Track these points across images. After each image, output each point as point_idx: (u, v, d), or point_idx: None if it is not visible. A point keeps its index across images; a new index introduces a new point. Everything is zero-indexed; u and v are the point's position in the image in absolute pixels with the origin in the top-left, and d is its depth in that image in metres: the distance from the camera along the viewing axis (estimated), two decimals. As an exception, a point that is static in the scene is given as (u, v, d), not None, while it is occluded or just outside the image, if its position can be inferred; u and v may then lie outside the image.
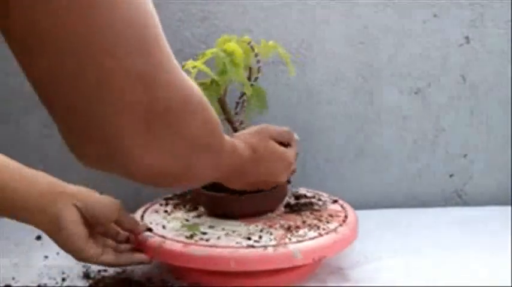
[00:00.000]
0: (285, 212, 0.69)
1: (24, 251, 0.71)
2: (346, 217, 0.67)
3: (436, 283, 0.61)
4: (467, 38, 0.90)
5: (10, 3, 0.29)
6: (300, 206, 0.71)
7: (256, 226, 0.64)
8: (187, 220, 0.66)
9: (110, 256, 0.59)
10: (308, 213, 0.68)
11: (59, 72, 0.32)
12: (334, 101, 0.90)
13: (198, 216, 0.68)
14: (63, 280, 0.63)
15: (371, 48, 0.89)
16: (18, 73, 0.35)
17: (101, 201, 0.59)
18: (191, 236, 0.60)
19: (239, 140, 0.57)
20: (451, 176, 0.94)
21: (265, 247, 0.57)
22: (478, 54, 0.90)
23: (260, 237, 0.60)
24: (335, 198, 0.75)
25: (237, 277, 0.58)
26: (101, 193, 0.61)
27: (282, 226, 0.63)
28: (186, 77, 0.39)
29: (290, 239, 0.59)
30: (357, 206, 0.72)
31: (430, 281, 0.62)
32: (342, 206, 0.72)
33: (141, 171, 0.38)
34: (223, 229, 0.62)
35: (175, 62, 0.37)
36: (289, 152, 0.63)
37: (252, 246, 0.57)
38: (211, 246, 0.58)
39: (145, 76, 0.34)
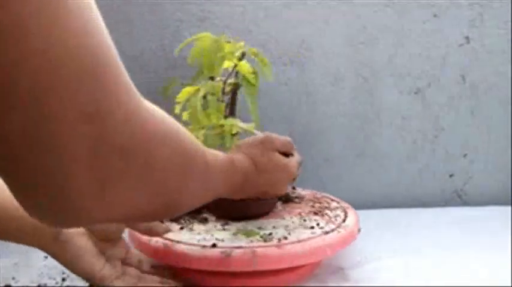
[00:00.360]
0: (286, 213, 0.69)
1: (24, 251, 0.71)
2: (346, 216, 0.67)
3: (436, 283, 0.61)
4: (467, 38, 0.90)
5: None
6: (299, 207, 0.71)
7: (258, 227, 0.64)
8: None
9: (125, 282, 0.54)
10: (308, 213, 0.68)
11: None
12: (334, 101, 0.90)
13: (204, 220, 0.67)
14: (63, 280, 0.63)
15: (371, 48, 0.89)
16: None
17: None
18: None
19: (240, 153, 0.56)
20: (451, 176, 0.94)
21: (207, 247, 0.57)
22: (478, 54, 0.90)
23: (260, 237, 0.60)
24: (335, 198, 0.75)
25: (237, 277, 0.58)
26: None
27: (280, 226, 0.63)
28: (148, 108, 0.35)
29: (289, 239, 0.59)
30: (357, 206, 0.72)
31: (430, 281, 0.62)
32: (341, 206, 0.72)
33: (93, 217, 0.34)
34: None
35: (133, 93, 0.34)
36: (292, 162, 0.61)
37: (196, 244, 0.57)
38: (167, 239, 0.58)
39: (96, 116, 0.29)
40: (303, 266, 0.59)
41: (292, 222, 0.65)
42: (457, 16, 0.89)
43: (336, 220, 0.66)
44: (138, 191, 0.35)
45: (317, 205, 0.73)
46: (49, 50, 0.27)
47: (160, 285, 0.56)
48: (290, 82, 0.88)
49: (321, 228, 0.62)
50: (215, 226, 0.64)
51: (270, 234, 0.61)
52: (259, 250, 0.56)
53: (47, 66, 0.27)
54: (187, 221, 0.65)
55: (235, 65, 0.63)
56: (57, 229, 0.50)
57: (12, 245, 0.73)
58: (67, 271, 0.64)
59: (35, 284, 0.62)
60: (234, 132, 0.65)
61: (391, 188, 0.93)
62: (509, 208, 0.87)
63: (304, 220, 0.66)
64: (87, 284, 0.61)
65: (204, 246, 0.57)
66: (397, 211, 0.89)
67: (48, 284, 0.62)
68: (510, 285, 0.60)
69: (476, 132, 0.93)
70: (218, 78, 0.65)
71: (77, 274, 0.53)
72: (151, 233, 0.56)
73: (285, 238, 0.59)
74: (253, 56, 0.66)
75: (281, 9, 0.87)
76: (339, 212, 0.69)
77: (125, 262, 0.57)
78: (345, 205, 0.72)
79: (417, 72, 0.90)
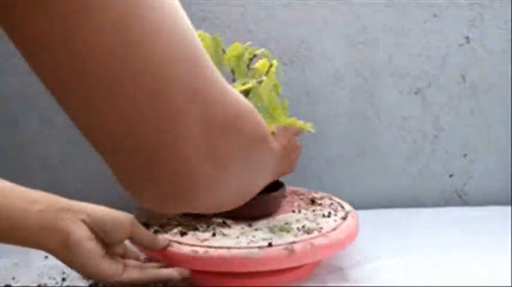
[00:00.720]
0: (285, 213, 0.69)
1: (24, 251, 0.71)
2: (345, 216, 0.67)
3: (436, 283, 0.61)
4: (467, 38, 0.90)
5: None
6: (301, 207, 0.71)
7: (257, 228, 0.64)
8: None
9: (134, 272, 0.55)
10: (308, 213, 0.69)
11: (106, 110, 0.28)
12: (334, 101, 0.90)
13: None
14: (63, 280, 0.63)
15: (371, 48, 0.89)
16: (17, 71, 0.34)
17: (111, 215, 0.54)
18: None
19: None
20: (451, 176, 0.94)
21: (264, 247, 0.56)
22: (478, 54, 0.90)
23: (262, 238, 0.60)
24: (335, 198, 0.75)
25: (237, 277, 0.58)
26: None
27: (280, 227, 0.63)
28: (231, 87, 0.36)
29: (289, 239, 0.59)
30: (357, 206, 0.72)
31: (430, 281, 0.62)
32: (341, 205, 0.72)
33: (210, 202, 0.36)
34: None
35: (219, 74, 0.34)
36: (298, 144, 0.66)
37: (252, 247, 0.57)
38: (210, 247, 0.57)
39: (199, 94, 0.30)
40: (302, 266, 0.59)
41: (305, 214, 0.68)
42: (457, 16, 0.89)
43: (335, 219, 0.66)
44: (242, 170, 0.37)
45: (317, 205, 0.73)
46: (158, 34, 0.27)
47: (161, 270, 0.57)
48: (290, 82, 0.88)
49: (321, 228, 0.62)
50: (242, 228, 0.63)
51: (304, 226, 0.62)
52: (315, 241, 0.57)
53: (159, 51, 0.27)
54: (211, 228, 0.63)
55: (271, 65, 0.64)
56: (163, 213, 0.54)
57: (13, 245, 0.73)
58: (67, 271, 0.64)
59: (35, 284, 0.62)
60: None
61: (391, 188, 0.94)
62: (509, 208, 0.87)
63: (314, 210, 0.68)
64: (87, 284, 0.61)
65: (260, 247, 0.56)
66: (397, 211, 0.89)
67: (48, 284, 0.62)
68: (510, 285, 0.60)
69: (476, 132, 0.93)
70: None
71: (88, 276, 0.54)
72: (151, 246, 0.57)
73: (321, 228, 0.62)
74: (265, 57, 0.67)
75: (281, 9, 0.87)
76: (338, 212, 0.69)
77: (123, 257, 0.59)
78: (345, 204, 0.72)
79: (417, 72, 0.90)
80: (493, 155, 0.94)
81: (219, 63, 0.64)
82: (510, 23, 0.89)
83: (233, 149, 0.35)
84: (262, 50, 0.67)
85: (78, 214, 0.52)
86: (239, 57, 0.65)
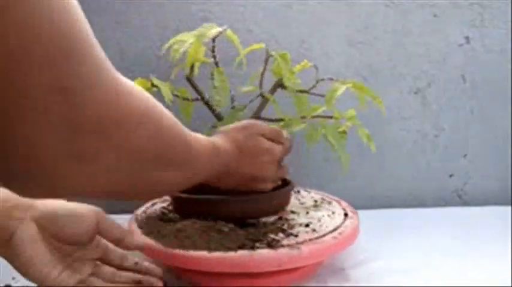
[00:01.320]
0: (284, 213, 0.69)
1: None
2: (346, 217, 0.67)
3: (436, 283, 0.61)
4: (467, 38, 0.90)
5: None
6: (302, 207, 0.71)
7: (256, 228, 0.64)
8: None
9: (97, 281, 0.50)
10: (308, 213, 0.68)
11: None
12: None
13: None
14: (63, 280, 0.63)
15: (371, 48, 0.89)
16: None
17: (68, 208, 0.49)
18: None
19: (224, 138, 0.56)
20: (451, 176, 0.94)
21: (265, 247, 0.56)
22: (478, 54, 0.90)
23: (261, 238, 0.59)
24: (336, 198, 0.75)
25: (237, 277, 0.58)
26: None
27: (253, 231, 0.62)
28: (126, 88, 0.36)
29: (290, 239, 0.59)
30: (357, 206, 0.72)
31: (430, 282, 0.62)
32: (342, 206, 0.72)
33: (69, 190, 0.36)
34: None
35: (111, 73, 0.35)
36: (277, 147, 0.60)
37: (253, 247, 0.57)
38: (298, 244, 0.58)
39: (69, 92, 0.31)
40: (303, 266, 0.59)
41: (305, 214, 0.68)
42: (457, 16, 0.89)
43: (336, 220, 0.65)
44: (114, 170, 0.36)
45: (318, 205, 0.73)
46: (30, 31, 0.29)
47: (133, 283, 0.53)
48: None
49: (321, 228, 0.62)
50: (244, 227, 0.62)
51: (307, 225, 0.63)
52: (259, 250, 0.56)
53: (24, 41, 0.28)
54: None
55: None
56: (30, 202, 0.49)
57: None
58: (67, 271, 0.64)
59: (35, 284, 0.61)
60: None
61: (392, 188, 0.93)
62: (509, 208, 0.87)
63: (314, 210, 0.69)
64: (87, 285, 0.61)
65: (266, 247, 0.56)
66: (397, 211, 0.89)
67: (48, 285, 0.62)
68: (510, 286, 0.60)
69: (476, 132, 0.93)
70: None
71: (28, 280, 0.48)
72: (123, 243, 0.52)
73: (321, 228, 0.62)
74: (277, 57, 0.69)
75: (281, 9, 0.87)
76: (339, 212, 0.69)
77: (104, 261, 0.53)
78: (345, 204, 0.72)
79: (417, 72, 0.90)
80: (493, 155, 0.94)
81: (289, 78, 0.67)
82: (510, 23, 0.89)
83: (115, 149, 0.35)
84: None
85: (28, 212, 0.47)
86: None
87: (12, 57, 0.28)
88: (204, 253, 0.55)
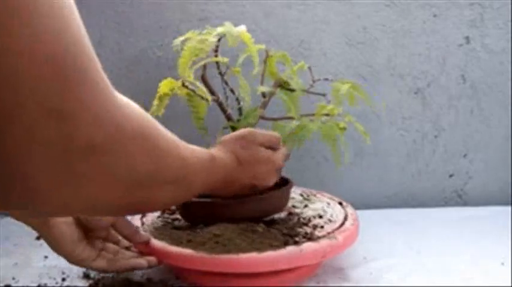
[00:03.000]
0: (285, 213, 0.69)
1: (24, 251, 0.71)
2: (346, 217, 0.67)
3: (436, 283, 0.61)
4: (467, 38, 0.90)
5: None
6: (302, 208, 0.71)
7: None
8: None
9: (103, 261, 0.57)
10: (309, 213, 0.69)
11: None
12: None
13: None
14: (63, 280, 0.63)
15: (370, 49, 0.89)
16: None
17: None
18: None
19: (222, 149, 0.56)
20: (451, 176, 0.94)
21: (257, 248, 0.56)
22: (478, 54, 0.90)
23: (294, 233, 0.60)
24: (338, 199, 0.75)
25: (237, 277, 0.58)
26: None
27: (277, 228, 0.63)
28: (120, 107, 0.35)
29: (291, 240, 0.59)
30: (357, 206, 0.72)
31: (430, 282, 0.62)
32: (344, 208, 0.72)
33: (63, 211, 0.36)
34: None
35: (108, 91, 0.33)
36: (276, 155, 0.61)
37: (297, 242, 0.57)
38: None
39: (61, 113, 0.30)
40: (303, 266, 0.59)
41: (305, 214, 0.68)
42: (457, 16, 0.89)
43: (336, 220, 0.66)
44: (106, 187, 0.36)
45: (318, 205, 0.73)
46: (22, 49, 0.27)
47: (130, 260, 0.59)
48: (290, 82, 0.88)
49: (322, 229, 0.62)
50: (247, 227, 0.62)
51: (306, 226, 0.63)
52: (259, 251, 0.56)
53: (14, 59, 0.27)
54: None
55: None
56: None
57: (13, 245, 0.73)
58: (67, 271, 0.64)
59: (35, 284, 0.62)
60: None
61: (391, 188, 0.94)
62: (509, 208, 0.87)
63: (314, 210, 0.69)
64: (86, 284, 0.61)
65: (269, 247, 0.56)
66: (397, 211, 0.89)
67: (48, 284, 0.62)
68: (510, 285, 0.60)
69: (476, 132, 0.93)
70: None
71: (64, 258, 0.56)
72: (131, 239, 0.60)
73: (322, 228, 0.62)
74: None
75: (281, 9, 0.87)
76: (339, 212, 0.69)
77: (107, 240, 0.61)
78: (346, 204, 0.72)
79: (417, 72, 0.90)
80: (493, 155, 0.94)
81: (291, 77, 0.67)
82: (510, 23, 0.89)
83: (108, 168, 0.34)
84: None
85: None
86: None
87: (3, 73, 0.27)
88: (253, 255, 0.54)
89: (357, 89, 0.70)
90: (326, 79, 0.73)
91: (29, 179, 0.31)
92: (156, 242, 0.59)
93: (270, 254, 0.55)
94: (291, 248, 0.55)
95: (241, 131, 0.60)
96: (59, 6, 0.29)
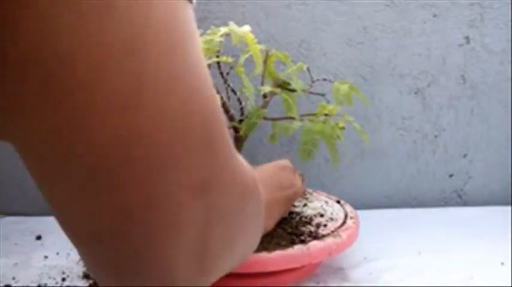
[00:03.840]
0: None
1: (24, 251, 0.71)
2: (346, 217, 0.67)
3: (436, 283, 0.61)
4: (467, 38, 0.90)
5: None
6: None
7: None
8: None
9: None
10: (309, 213, 0.69)
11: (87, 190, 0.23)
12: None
13: None
14: (63, 280, 0.63)
15: (371, 49, 0.89)
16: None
17: None
18: None
19: (270, 183, 0.55)
20: (450, 176, 0.94)
21: (265, 248, 0.56)
22: (478, 54, 0.90)
23: (298, 232, 0.60)
24: (336, 198, 0.75)
25: (237, 277, 0.58)
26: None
27: (282, 228, 0.63)
28: (239, 167, 0.30)
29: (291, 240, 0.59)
30: (357, 206, 0.72)
31: (430, 281, 0.62)
32: (342, 206, 0.72)
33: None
34: None
35: (234, 154, 0.29)
36: (300, 181, 0.64)
37: (303, 241, 0.58)
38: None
39: (206, 183, 0.25)
40: (303, 266, 0.59)
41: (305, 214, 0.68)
42: (457, 16, 0.89)
43: (336, 220, 0.66)
44: (233, 251, 0.32)
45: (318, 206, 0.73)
46: (164, 118, 0.23)
47: None
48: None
49: (322, 229, 0.62)
50: None
51: (305, 226, 0.64)
52: (259, 251, 0.56)
53: (164, 139, 0.23)
54: None
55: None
56: None
57: (13, 245, 0.73)
58: (67, 271, 0.64)
59: (35, 284, 0.62)
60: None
61: (391, 188, 0.93)
62: (509, 208, 0.87)
63: (314, 210, 0.69)
64: (86, 284, 0.61)
65: (274, 246, 0.56)
66: (397, 211, 0.89)
67: (48, 284, 0.62)
68: (510, 285, 0.60)
69: (476, 132, 0.93)
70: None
71: None
72: None
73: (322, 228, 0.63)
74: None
75: (281, 9, 0.87)
76: (339, 212, 0.69)
77: None
78: (346, 204, 0.72)
79: (417, 72, 0.90)
80: (493, 155, 0.94)
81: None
82: (510, 23, 0.89)
83: (231, 236, 0.30)
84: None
85: None
86: None
87: (159, 150, 0.23)
88: (264, 254, 0.55)
89: (354, 89, 0.70)
90: (325, 79, 0.73)
91: (166, 273, 0.26)
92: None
93: (279, 253, 0.55)
94: (299, 247, 0.56)
95: (279, 163, 0.61)
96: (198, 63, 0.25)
